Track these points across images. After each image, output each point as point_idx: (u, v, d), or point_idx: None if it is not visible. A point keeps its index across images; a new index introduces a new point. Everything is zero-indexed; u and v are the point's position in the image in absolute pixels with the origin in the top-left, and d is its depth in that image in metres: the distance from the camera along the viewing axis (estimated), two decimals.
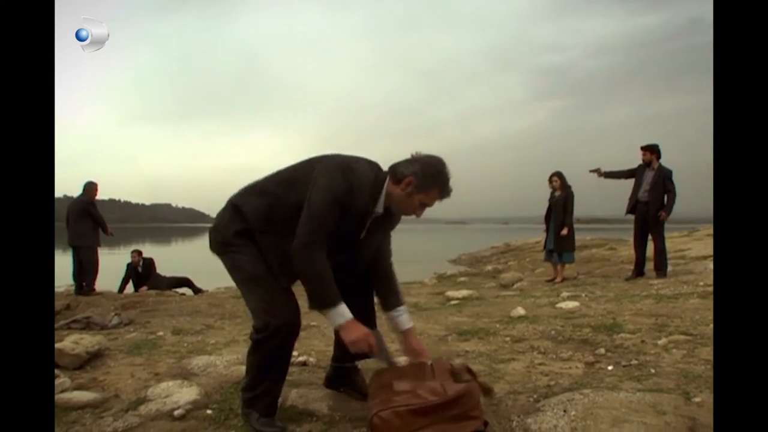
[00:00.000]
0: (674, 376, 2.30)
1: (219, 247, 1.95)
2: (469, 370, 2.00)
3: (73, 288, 7.20)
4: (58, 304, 5.60)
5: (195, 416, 2.11)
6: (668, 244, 6.57)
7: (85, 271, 7.17)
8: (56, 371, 2.58)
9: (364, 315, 1.96)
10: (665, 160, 6.28)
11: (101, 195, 7.77)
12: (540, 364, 2.68)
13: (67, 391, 2.39)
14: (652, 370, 2.41)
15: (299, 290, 1.90)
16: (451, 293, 6.14)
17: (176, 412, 2.12)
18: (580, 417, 1.82)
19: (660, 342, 2.91)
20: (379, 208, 1.91)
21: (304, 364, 2.77)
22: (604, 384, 2.24)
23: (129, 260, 8.64)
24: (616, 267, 8.36)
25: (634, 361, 2.59)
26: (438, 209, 1.99)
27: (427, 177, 1.86)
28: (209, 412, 2.15)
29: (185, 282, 8.47)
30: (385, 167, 1.95)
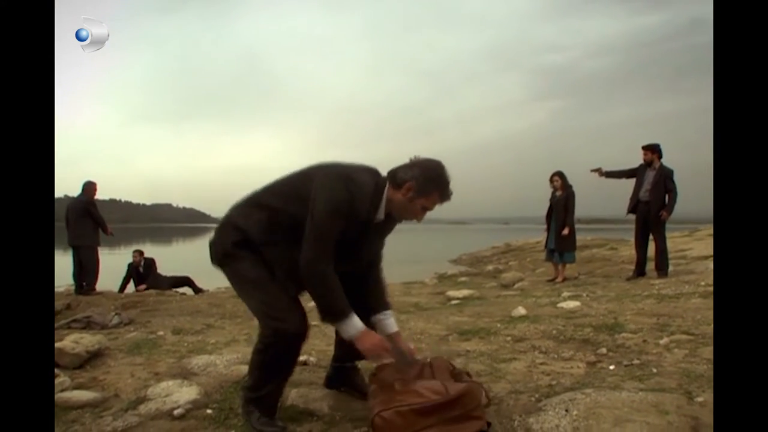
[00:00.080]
0: (676, 375, 2.30)
1: (220, 258, 1.95)
2: (468, 375, 2.00)
3: (74, 288, 7.21)
4: (59, 304, 5.60)
5: (195, 416, 2.11)
6: (669, 244, 6.56)
7: (85, 270, 7.17)
8: (56, 370, 2.58)
9: (364, 320, 1.95)
10: (665, 160, 6.27)
11: (102, 195, 7.79)
12: (541, 363, 2.67)
13: (67, 390, 2.39)
14: (654, 370, 2.41)
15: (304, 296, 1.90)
16: (451, 293, 6.13)
17: (176, 412, 2.12)
18: (583, 416, 1.82)
19: (662, 342, 2.91)
20: (381, 215, 1.91)
21: (304, 363, 2.76)
22: (606, 384, 2.24)
23: (130, 260, 8.64)
24: (617, 267, 8.36)
25: (636, 361, 2.58)
26: (438, 209, 1.99)
27: (427, 181, 1.86)
28: (209, 411, 2.14)
29: (186, 281, 8.47)
30: (385, 168, 1.95)
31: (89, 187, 7.36)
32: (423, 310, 4.99)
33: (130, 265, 8.57)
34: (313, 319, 1.90)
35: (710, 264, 6.62)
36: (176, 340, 3.68)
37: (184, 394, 2.30)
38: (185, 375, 2.66)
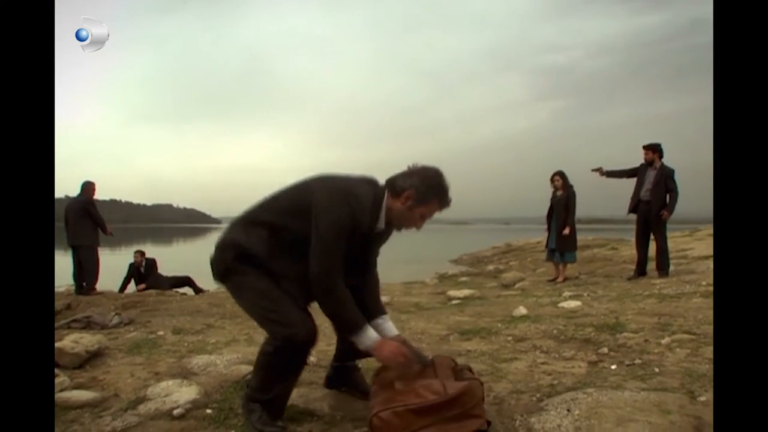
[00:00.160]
0: (678, 375, 2.29)
1: (222, 273, 1.93)
2: (470, 371, 2.00)
3: (74, 288, 7.21)
4: (59, 304, 5.60)
5: (194, 415, 2.11)
6: (670, 243, 6.56)
7: (85, 270, 7.16)
8: (56, 370, 2.58)
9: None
10: (666, 160, 6.27)
11: (102, 195, 7.81)
12: (543, 363, 2.67)
13: (67, 390, 2.39)
14: (656, 370, 2.40)
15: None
16: (452, 293, 6.13)
17: (176, 412, 2.12)
18: (584, 416, 1.82)
19: (663, 341, 2.91)
20: (381, 225, 1.92)
21: None
22: (607, 383, 2.23)
23: (131, 260, 8.66)
24: (617, 267, 8.35)
25: (637, 361, 2.58)
26: None
27: (426, 189, 1.86)
28: (209, 411, 2.14)
29: (186, 281, 8.48)
30: (386, 170, 1.96)
31: (88, 187, 7.37)
32: (424, 310, 4.98)
33: (131, 265, 8.59)
34: (314, 318, 1.90)
35: (711, 264, 6.62)
36: (176, 340, 3.68)
37: (183, 394, 2.30)
38: (185, 375, 2.65)
